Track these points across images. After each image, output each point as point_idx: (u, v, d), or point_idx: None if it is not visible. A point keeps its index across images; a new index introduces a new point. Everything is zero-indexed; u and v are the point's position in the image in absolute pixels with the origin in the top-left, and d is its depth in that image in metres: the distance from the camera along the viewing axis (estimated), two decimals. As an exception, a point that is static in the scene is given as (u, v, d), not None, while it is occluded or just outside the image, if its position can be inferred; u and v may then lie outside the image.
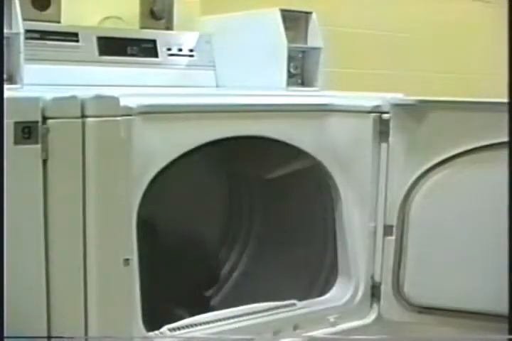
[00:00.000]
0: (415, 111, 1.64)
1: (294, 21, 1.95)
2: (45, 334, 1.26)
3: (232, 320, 1.58)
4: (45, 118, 1.22)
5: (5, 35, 1.45)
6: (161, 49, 1.98)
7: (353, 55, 2.49)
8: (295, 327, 1.65)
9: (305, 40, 1.97)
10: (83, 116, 1.26)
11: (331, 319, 1.70)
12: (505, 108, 1.53)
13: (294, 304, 1.69)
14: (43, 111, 1.22)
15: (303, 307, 1.69)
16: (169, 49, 1.99)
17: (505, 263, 1.54)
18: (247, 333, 1.57)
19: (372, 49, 2.59)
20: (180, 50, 2.01)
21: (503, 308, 1.53)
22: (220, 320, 1.57)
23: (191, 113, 1.49)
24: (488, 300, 1.63)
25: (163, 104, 1.45)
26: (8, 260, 1.18)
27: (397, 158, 1.68)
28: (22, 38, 1.51)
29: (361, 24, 2.56)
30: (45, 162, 1.23)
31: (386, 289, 1.72)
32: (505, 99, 1.57)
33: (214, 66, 2.05)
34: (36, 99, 1.22)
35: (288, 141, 1.62)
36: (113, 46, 1.90)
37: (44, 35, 1.78)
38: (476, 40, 2.84)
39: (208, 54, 2.05)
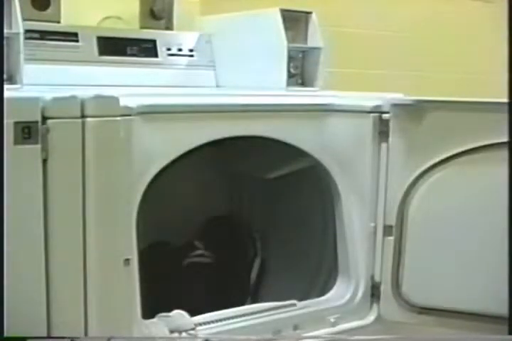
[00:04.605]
0: (415, 111, 1.64)
1: (294, 21, 1.95)
2: (45, 335, 1.26)
3: (232, 320, 1.58)
4: (45, 118, 1.22)
5: (5, 35, 1.45)
6: (160, 49, 1.98)
7: (353, 55, 2.49)
8: (295, 327, 1.65)
9: (305, 40, 1.97)
10: (83, 116, 1.26)
11: (331, 319, 1.70)
12: (505, 108, 1.53)
13: (294, 304, 1.69)
14: (42, 111, 1.22)
15: (303, 307, 1.69)
16: (169, 49, 1.99)
17: (504, 264, 1.54)
18: (247, 333, 1.57)
19: (372, 49, 2.59)
20: (180, 50, 2.01)
21: (502, 309, 1.53)
22: (220, 320, 1.58)
23: (191, 113, 1.49)
24: (487, 301, 1.63)
25: (163, 104, 1.45)
26: (8, 260, 1.18)
27: (397, 157, 1.68)
28: (22, 38, 1.51)
29: (361, 24, 2.56)
30: (45, 162, 1.23)
31: (386, 289, 1.72)
32: (505, 99, 1.57)
33: (214, 66, 2.05)
34: (36, 99, 1.22)
35: (288, 140, 1.62)
36: (113, 46, 1.90)
37: (44, 35, 1.78)
38: (476, 40, 2.84)
39: (208, 54, 2.05)
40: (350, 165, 1.70)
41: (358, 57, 2.52)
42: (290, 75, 1.94)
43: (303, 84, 1.99)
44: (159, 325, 1.46)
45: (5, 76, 1.48)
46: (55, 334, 1.26)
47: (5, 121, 1.18)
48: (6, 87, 1.35)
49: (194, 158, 1.53)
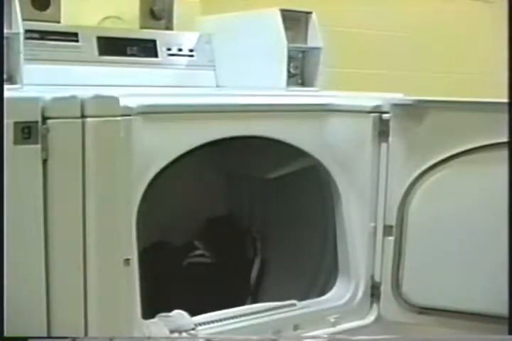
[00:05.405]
0: (415, 111, 1.64)
1: (294, 21, 1.95)
2: (46, 334, 1.26)
3: (232, 320, 1.58)
4: (45, 118, 1.22)
5: (5, 35, 1.45)
6: (161, 49, 1.98)
7: (353, 55, 2.49)
8: (295, 327, 1.65)
9: (305, 40, 1.97)
10: (83, 116, 1.26)
11: (331, 319, 1.70)
12: (505, 108, 1.53)
13: (294, 304, 1.69)
14: (42, 111, 1.22)
15: (303, 307, 1.69)
16: (169, 49, 1.99)
17: (504, 264, 1.54)
18: (247, 333, 1.57)
19: (372, 49, 2.59)
20: (180, 50, 2.01)
21: (502, 309, 1.53)
22: (220, 320, 1.58)
23: (191, 113, 1.49)
24: (487, 301, 1.63)
25: (163, 104, 1.45)
26: (8, 260, 1.18)
27: (397, 157, 1.68)
28: (22, 38, 1.51)
29: (361, 24, 2.56)
30: (45, 162, 1.23)
31: (386, 289, 1.72)
32: (505, 99, 1.57)
33: (214, 66, 2.05)
34: (36, 99, 1.22)
35: (288, 140, 1.62)
36: (113, 46, 1.90)
37: (44, 35, 1.78)
38: (476, 40, 2.84)
39: (207, 54, 2.05)
40: (350, 165, 1.70)
41: (358, 57, 2.52)
42: (290, 75, 1.94)
43: (303, 84, 1.99)
44: (159, 325, 1.46)
45: (5, 76, 1.48)
46: (55, 334, 1.26)
47: (5, 121, 1.18)
48: (6, 87, 1.35)
49: (194, 158, 1.53)
